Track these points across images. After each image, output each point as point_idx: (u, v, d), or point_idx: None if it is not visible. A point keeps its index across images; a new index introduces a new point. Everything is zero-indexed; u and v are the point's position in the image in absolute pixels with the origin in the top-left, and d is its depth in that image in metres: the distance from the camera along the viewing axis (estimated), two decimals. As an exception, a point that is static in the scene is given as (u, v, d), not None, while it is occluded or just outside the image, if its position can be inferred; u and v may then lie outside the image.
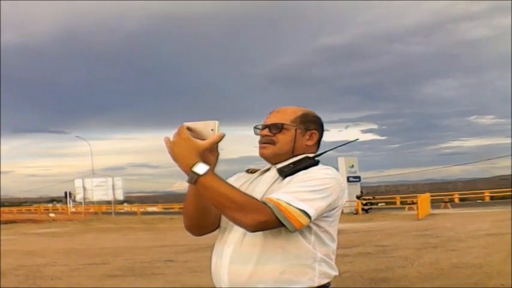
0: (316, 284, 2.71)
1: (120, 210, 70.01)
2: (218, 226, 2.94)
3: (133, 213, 63.22)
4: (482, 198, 53.52)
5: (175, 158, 2.59)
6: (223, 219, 2.83)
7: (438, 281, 10.87)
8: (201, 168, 2.52)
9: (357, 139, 3.36)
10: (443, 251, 15.40)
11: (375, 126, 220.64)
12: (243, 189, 2.71)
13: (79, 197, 63.60)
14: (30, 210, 79.91)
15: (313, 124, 2.95)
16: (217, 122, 2.65)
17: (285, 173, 2.75)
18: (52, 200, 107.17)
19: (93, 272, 13.68)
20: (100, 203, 68.58)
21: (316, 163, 2.82)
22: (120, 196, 63.44)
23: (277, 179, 2.80)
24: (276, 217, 2.50)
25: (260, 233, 2.60)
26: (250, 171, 3.03)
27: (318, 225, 2.68)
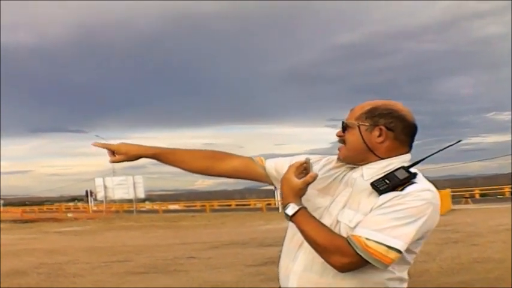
0: None
1: (141, 209, 69.91)
2: (234, 176, 3.15)
3: (155, 211, 63.06)
4: (503, 194, 53.06)
5: (280, 194, 2.73)
6: None
7: (459, 275, 10.87)
8: (290, 209, 2.59)
9: (460, 140, 2.98)
10: (464, 246, 15.41)
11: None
12: (331, 186, 2.77)
13: (100, 195, 63.54)
14: (51, 209, 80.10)
15: (383, 118, 2.70)
16: (307, 160, 2.70)
17: (380, 191, 2.56)
18: (73, 199, 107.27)
19: (115, 269, 13.72)
20: (121, 201, 68.42)
21: (414, 176, 2.59)
22: (141, 194, 63.28)
23: (365, 186, 2.63)
24: (357, 256, 2.44)
25: None
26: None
27: (407, 249, 2.51)
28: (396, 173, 2.59)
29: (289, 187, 2.63)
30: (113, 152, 3.17)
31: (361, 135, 2.70)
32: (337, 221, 2.63)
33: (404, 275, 2.71)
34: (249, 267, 13.10)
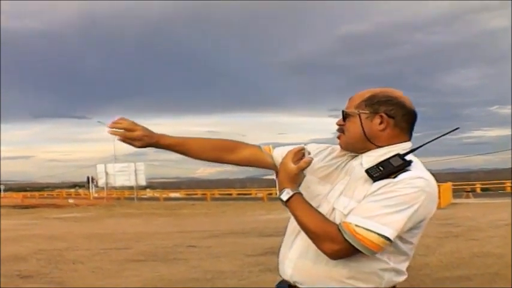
0: None
1: (142, 196, 70.33)
2: (244, 165, 3.16)
3: (156, 199, 63.59)
4: (504, 189, 53.15)
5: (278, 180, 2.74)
6: None
7: (459, 269, 10.87)
8: (285, 194, 2.63)
9: (457, 128, 2.97)
10: (464, 240, 15.41)
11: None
12: (331, 174, 2.80)
13: (101, 182, 63.56)
14: (52, 195, 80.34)
15: (383, 106, 2.70)
16: (304, 147, 2.76)
17: (374, 178, 2.57)
18: (74, 185, 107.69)
19: (115, 256, 13.75)
20: (122, 188, 68.62)
21: (408, 163, 2.59)
22: (142, 182, 63.27)
23: (361, 174, 2.65)
24: (348, 243, 2.46)
25: None
26: None
27: (400, 238, 2.56)
28: (391, 160, 2.60)
29: (286, 172, 2.67)
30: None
31: (361, 123, 2.70)
32: (333, 209, 2.66)
33: (401, 267, 2.71)
34: (248, 256, 13.11)
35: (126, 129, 3.03)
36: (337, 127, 2.82)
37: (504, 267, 10.67)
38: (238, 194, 68.79)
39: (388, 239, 2.45)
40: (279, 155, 3.05)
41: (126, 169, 61.41)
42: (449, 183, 39.93)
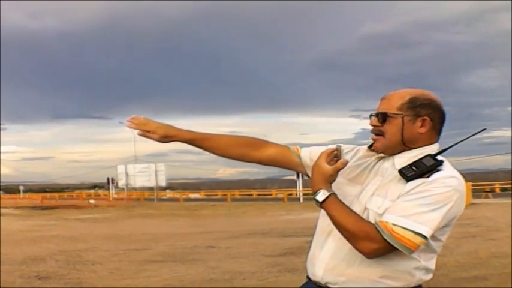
0: (408, 287, 2.71)
1: (162, 197, 70.51)
2: (269, 164, 3.19)
3: (176, 200, 63.33)
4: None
5: (310, 182, 2.74)
6: None
7: (476, 270, 10.83)
8: (321, 195, 2.64)
9: (484, 129, 3.01)
10: (483, 240, 15.34)
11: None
12: (360, 175, 2.82)
13: (121, 183, 63.79)
14: (72, 196, 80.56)
15: (424, 109, 2.72)
16: (339, 148, 2.77)
17: (407, 178, 2.62)
18: (94, 186, 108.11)
19: (133, 257, 13.76)
20: (142, 189, 68.56)
21: (440, 163, 2.65)
22: (162, 182, 63.54)
23: (394, 174, 2.70)
24: (389, 243, 2.50)
25: None
26: (374, 149, 2.89)
27: (432, 236, 2.57)
28: (423, 161, 2.64)
29: (320, 173, 2.69)
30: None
31: (403, 126, 2.71)
32: (366, 208, 2.70)
33: (431, 264, 2.75)
34: (267, 257, 13.10)
35: (140, 123, 3.08)
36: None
37: (522, 268, 10.61)
38: (259, 195, 68.68)
39: (425, 237, 2.49)
40: (306, 155, 3.09)
41: (147, 170, 61.68)
42: (469, 184, 39.65)
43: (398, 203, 2.56)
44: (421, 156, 2.68)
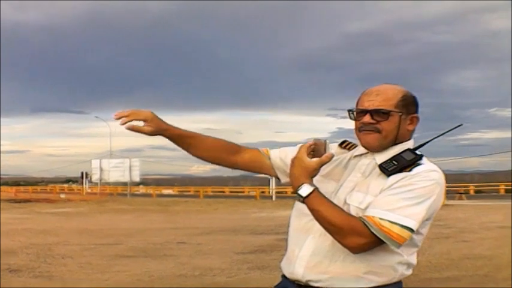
0: (391, 282, 2.71)
1: (135, 192, 70.18)
2: (245, 169, 3.13)
3: (149, 195, 63.57)
4: (497, 191, 53.30)
5: (289, 176, 2.68)
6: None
7: (448, 271, 10.88)
8: (304, 190, 2.58)
9: (461, 124, 3.03)
10: (455, 241, 15.48)
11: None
12: (335, 172, 2.79)
13: (95, 177, 64.07)
14: (45, 189, 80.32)
15: (413, 106, 2.79)
16: (327, 141, 2.68)
17: (389, 172, 2.64)
18: (68, 180, 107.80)
19: (104, 252, 13.74)
20: (116, 184, 68.61)
21: (420, 157, 2.69)
22: (136, 178, 63.65)
23: (373, 170, 2.72)
24: (376, 237, 2.48)
25: None
26: (345, 146, 2.96)
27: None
28: (403, 155, 2.67)
29: (303, 167, 2.62)
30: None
31: (399, 123, 2.72)
32: (346, 204, 2.67)
33: (412, 259, 2.76)
34: (238, 254, 13.12)
35: (131, 114, 2.92)
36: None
37: (493, 270, 10.71)
38: (231, 192, 68.97)
39: (412, 230, 2.50)
40: (276, 156, 3.09)
41: (121, 165, 61.95)
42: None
43: (382, 197, 2.56)
44: (400, 151, 2.70)
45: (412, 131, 2.82)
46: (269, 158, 3.11)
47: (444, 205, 31.64)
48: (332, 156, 2.63)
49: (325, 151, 2.65)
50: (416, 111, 2.80)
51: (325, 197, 2.58)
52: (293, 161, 2.68)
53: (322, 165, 2.63)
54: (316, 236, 2.69)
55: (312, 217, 2.65)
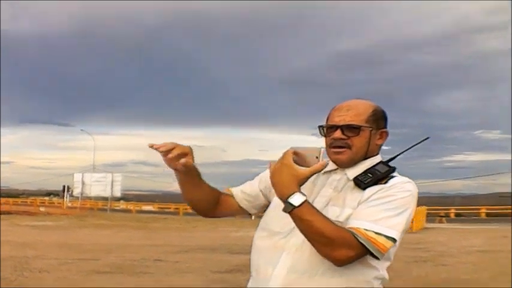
0: None
1: (115, 207, 69.94)
2: (218, 216, 3.04)
3: (129, 211, 63.59)
4: (478, 215, 53.42)
5: (273, 184, 2.55)
6: (273, 221, 2.77)
7: (424, 295, 10.86)
8: (297, 199, 2.45)
9: (428, 138, 3.03)
10: (434, 265, 15.41)
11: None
12: (304, 188, 2.60)
13: (77, 191, 63.89)
14: (26, 202, 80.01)
15: (383, 121, 2.80)
16: (322, 149, 2.59)
17: (364, 184, 2.63)
18: (49, 194, 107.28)
19: (82, 267, 13.71)
20: (97, 198, 68.46)
21: (393, 169, 2.71)
22: (117, 193, 63.50)
23: (346, 185, 2.70)
24: (364, 249, 2.45)
25: None
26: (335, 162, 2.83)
27: None
28: (377, 168, 2.68)
29: (294, 175, 2.51)
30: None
31: (370, 138, 2.72)
32: None
33: (385, 274, 2.71)
34: (214, 273, 13.12)
35: (178, 148, 2.71)
36: (331, 140, 2.74)
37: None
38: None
39: (394, 240, 2.48)
40: (238, 193, 3.02)
41: (103, 179, 61.94)
42: (424, 207, 39.90)
43: (363, 209, 2.54)
44: (372, 165, 2.71)
45: (381, 146, 2.83)
46: (233, 196, 3.03)
47: (424, 228, 31.83)
48: (326, 164, 2.57)
49: (318, 159, 2.55)
50: (385, 126, 2.81)
51: (315, 208, 2.51)
52: (280, 168, 2.55)
53: (315, 173, 2.56)
54: (292, 251, 2.62)
55: (284, 234, 2.65)
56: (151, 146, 2.66)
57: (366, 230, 2.44)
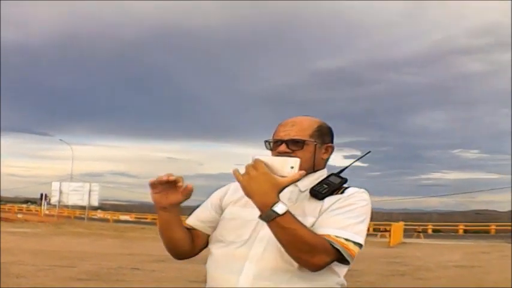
0: None
1: (93, 216, 69.94)
2: (198, 252, 2.94)
3: (106, 220, 64.11)
4: (456, 231, 53.81)
5: (251, 193, 2.50)
6: (229, 232, 2.76)
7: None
8: (281, 208, 2.43)
9: (369, 151, 3.20)
10: (411, 279, 15.45)
11: (358, 153, 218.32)
12: (250, 202, 2.59)
13: (54, 199, 63.51)
14: (4, 209, 79.85)
15: (327, 136, 2.87)
16: (299, 160, 2.59)
17: (322, 195, 2.67)
18: (27, 201, 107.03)
19: (58, 273, 13.73)
20: (74, 207, 68.64)
21: (346, 180, 2.76)
22: (95, 202, 63.41)
23: (299, 196, 2.73)
24: (337, 254, 2.50)
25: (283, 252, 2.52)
26: None
27: None
28: (330, 179, 2.75)
29: (273, 184, 2.49)
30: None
31: (315, 153, 2.76)
32: None
33: (344, 281, 2.75)
34: (191, 282, 13.07)
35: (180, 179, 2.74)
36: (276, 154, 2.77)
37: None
38: (188, 220, 68.65)
39: (361, 246, 2.55)
40: (198, 223, 2.98)
41: (81, 189, 61.72)
42: (402, 223, 40.29)
43: (328, 218, 2.58)
44: (322, 177, 2.78)
45: (327, 160, 2.89)
46: (191, 227, 2.99)
47: (401, 243, 32.02)
48: (304, 173, 2.57)
49: (294, 169, 2.54)
50: (331, 141, 2.89)
51: (294, 216, 2.50)
52: (258, 177, 2.49)
53: (294, 182, 2.56)
54: (254, 260, 2.62)
55: (240, 243, 2.68)
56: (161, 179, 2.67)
57: (337, 236, 2.50)
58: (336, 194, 2.67)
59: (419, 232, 46.15)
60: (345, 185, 2.74)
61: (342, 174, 2.81)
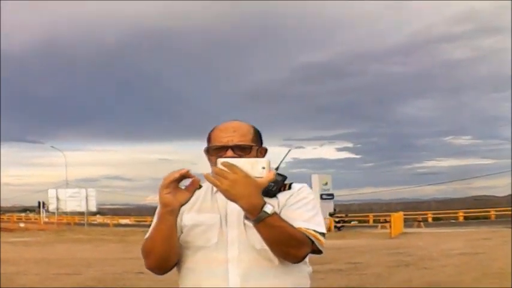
0: None
1: (92, 222, 69.97)
2: (175, 265, 2.85)
3: (106, 225, 63.83)
4: (456, 218, 53.87)
5: (237, 197, 2.48)
6: (195, 238, 2.74)
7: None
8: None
9: (290, 150, 3.30)
10: (416, 269, 15.46)
11: (350, 145, 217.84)
12: (204, 206, 2.78)
13: (52, 207, 64.04)
14: (3, 219, 79.68)
15: (261, 139, 2.97)
16: (269, 161, 2.61)
17: (273, 192, 2.74)
18: (25, 210, 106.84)
19: (64, 282, 13.70)
20: (73, 213, 68.56)
21: (286, 177, 2.84)
22: (93, 207, 63.85)
23: None
24: (311, 245, 2.63)
25: (268, 249, 2.59)
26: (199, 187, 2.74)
27: None
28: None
29: (256, 186, 2.50)
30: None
31: (257, 156, 2.82)
32: (246, 225, 2.65)
33: (310, 267, 2.89)
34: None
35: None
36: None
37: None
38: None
39: (324, 236, 2.69)
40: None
41: (77, 195, 62.13)
42: (401, 213, 40.14)
43: (290, 213, 2.67)
44: None
45: None
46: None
47: (403, 233, 31.99)
48: (276, 173, 2.67)
49: (264, 170, 2.55)
50: (262, 143, 2.97)
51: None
52: (240, 180, 2.47)
53: (270, 182, 2.61)
54: (235, 262, 2.67)
55: (215, 247, 2.69)
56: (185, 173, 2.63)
57: (307, 228, 2.61)
58: (283, 190, 2.80)
59: (419, 221, 46.18)
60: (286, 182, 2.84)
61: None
